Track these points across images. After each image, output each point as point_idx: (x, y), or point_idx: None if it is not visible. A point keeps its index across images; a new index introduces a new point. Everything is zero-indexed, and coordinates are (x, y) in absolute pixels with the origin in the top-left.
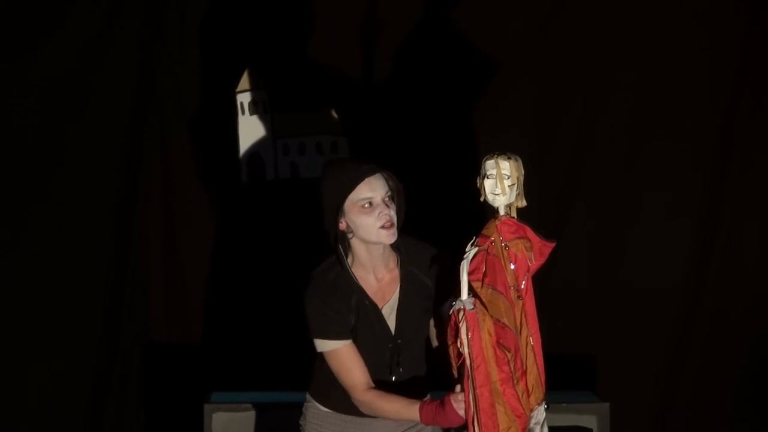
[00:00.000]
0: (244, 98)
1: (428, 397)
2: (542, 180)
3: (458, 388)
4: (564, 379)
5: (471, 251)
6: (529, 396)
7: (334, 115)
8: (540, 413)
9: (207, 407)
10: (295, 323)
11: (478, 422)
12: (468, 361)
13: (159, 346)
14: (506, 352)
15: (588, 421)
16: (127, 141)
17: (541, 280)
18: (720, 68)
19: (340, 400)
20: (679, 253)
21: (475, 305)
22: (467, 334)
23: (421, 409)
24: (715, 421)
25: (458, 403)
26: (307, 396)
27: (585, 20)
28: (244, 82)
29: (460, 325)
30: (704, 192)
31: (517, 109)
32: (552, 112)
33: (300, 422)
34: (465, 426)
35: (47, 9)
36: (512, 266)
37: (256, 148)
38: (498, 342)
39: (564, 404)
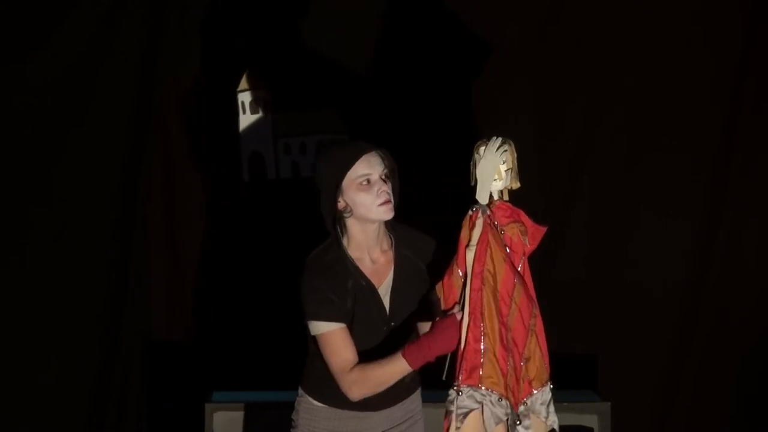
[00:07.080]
0: (245, 97)
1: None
2: (543, 180)
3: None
4: (565, 378)
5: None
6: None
7: (335, 114)
8: (546, 393)
9: (208, 406)
10: (295, 323)
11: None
12: (470, 263)
13: (160, 345)
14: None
15: (589, 420)
16: (128, 141)
17: (542, 279)
18: (720, 68)
19: (333, 395)
20: (680, 252)
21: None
22: (478, 233)
23: (405, 356)
24: (715, 421)
25: (449, 318)
26: (300, 391)
27: (585, 22)
28: (245, 81)
29: (476, 221)
30: (705, 191)
31: (517, 110)
32: (552, 112)
33: (292, 417)
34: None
35: (47, 9)
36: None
37: (257, 148)
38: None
39: (565, 403)
